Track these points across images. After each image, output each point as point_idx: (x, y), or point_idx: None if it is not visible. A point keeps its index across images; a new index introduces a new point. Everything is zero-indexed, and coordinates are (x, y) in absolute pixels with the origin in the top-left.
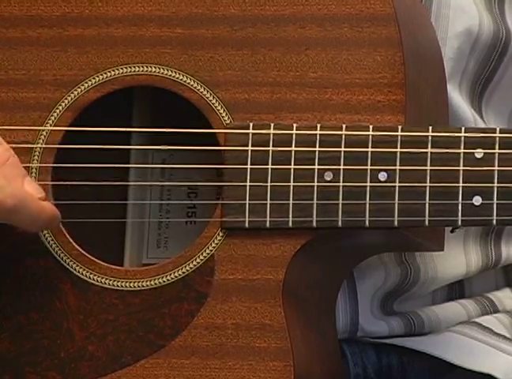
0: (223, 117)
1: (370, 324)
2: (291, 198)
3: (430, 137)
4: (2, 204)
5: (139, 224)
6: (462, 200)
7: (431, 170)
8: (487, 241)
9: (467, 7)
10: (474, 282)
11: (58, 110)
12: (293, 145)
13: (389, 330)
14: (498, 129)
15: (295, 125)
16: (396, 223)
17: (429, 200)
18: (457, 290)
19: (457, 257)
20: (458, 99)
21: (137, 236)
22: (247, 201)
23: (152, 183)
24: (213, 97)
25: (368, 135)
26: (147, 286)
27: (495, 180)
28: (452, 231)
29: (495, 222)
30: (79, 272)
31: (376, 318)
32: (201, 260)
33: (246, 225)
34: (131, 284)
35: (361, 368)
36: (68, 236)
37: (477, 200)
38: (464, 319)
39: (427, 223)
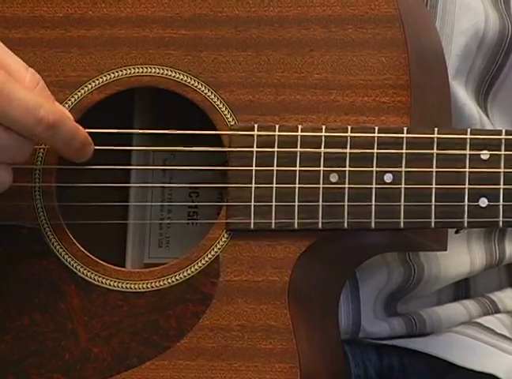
0: (227, 118)
1: (372, 324)
2: (296, 200)
3: (435, 139)
4: (45, 120)
5: (141, 224)
6: (468, 201)
7: (436, 171)
8: (491, 239)
9: (473, 4)
10: (479, 281)
11: None
12: (298, 147)
13: (390, 330)
14: (503, 131)
15: (300, 126)
16: (402, 224)
17: (435, 201)
18: (463, 289)
19: (461, 255)
20: (464, 96)
21: (138, 236)
22: (252, 203)
23: (156, 185)
24: (217, 98)
25: (373, 136)
26: (152, 287)
27: (501, 181)
28: (457, 232)
29: (501, 223)
30: (83, 273)
31: (378, 319)
32: (206, 261)
33: (252, 227)
34: (136, 286)
35: (362, 369)
36: (72, 237)
37: (483, 202)
38: (465, 319)
39: (433, 224)
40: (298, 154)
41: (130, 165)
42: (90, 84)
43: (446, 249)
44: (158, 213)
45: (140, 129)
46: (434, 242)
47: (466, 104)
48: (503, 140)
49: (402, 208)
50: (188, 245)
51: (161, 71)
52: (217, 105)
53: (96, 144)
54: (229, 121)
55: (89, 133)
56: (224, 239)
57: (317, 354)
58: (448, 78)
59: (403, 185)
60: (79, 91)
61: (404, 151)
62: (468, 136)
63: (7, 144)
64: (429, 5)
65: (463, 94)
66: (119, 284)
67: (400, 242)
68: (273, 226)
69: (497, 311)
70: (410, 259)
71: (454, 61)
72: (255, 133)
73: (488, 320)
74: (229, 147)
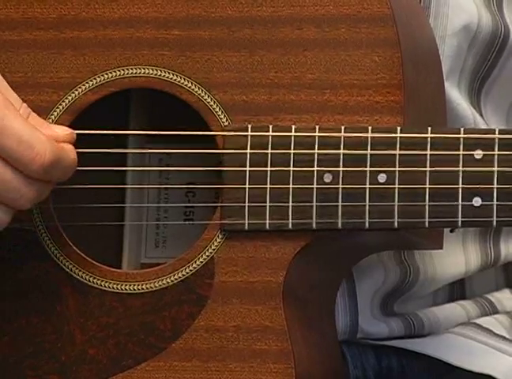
0: (221, 119)
1: (370, 324)
2: (290, 200)
3: (429, 139)
4: (41, 159)
5: (137, 224)
6: (462, 201)
7: (430, 171)
8: (486, 239)
9: (466, 5)
10: (475, 282)
11: (55, 113)
12: (292, 147)
13: (389, 331)
14: (497, 130)
15: (293, 126)
16: (396, 224)
17: (429, 201)
18: (458, 290)
19: (457, 256)
20: (458, 96)
21: (135, 236)
22: (247, 204)
23: (151, 186)
24: (211, 99)
25: (367, 136)
26: (147, 289)
27: (495, 181)
28: (451, 231)
29: (495, 223)
30: (79, 275)
31: (376, 319)
32: (201, 262)
33: (246, 227)
34: (131, 287)
35: (361, 370)
36: (67, 239)
37: (477, 201)
38: (463, 320)
39: (427, 224)
40: (291, 154)
41: (126, 165)
42: (84, 85)
43: (441, 248)
44: (154, 213)
45: (136, 129)
46: (430, 240)
47: (460, 104)
48: (497, 140)
49: (396, 207)
50: (185, 244)
51: (155, 72)
52: (211, 106)
53: (91, 145)
54: (223, 122)
55: (85, 134)
56: (218, 240)
57: (313, 354)
58: (443, 76)
59: (397, 185)
60: (73, 93)
61: (397, 151)
62: (462, 135)
63: (5, 179)
64: (422, 6)
65: (456, 94)
66: (115, 286)
67: (395, 240)
68: (268, 226)
69: (495, 312)
70: (406, 260)
71: (447, 62)
72: (249, 133)
73: (487, 321)
74: (223, 147)
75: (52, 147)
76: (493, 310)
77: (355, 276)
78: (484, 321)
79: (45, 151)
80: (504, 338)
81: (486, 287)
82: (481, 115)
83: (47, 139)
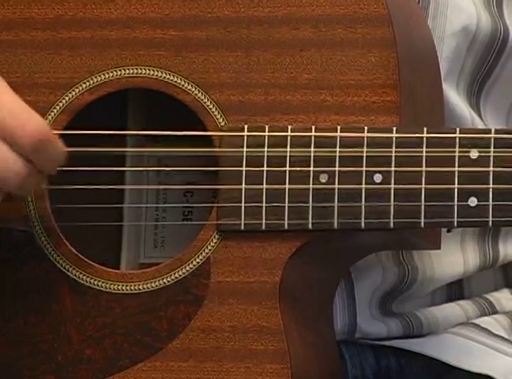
0: (217, 119)
1: (368, 324)
2: (286, 200)
3: (425, 138)
4: (32, 133)
5: (135, 224)
6: (458, 201)
7: (426, 171)
8: (485, 239)
9: (465, 6)
10: (473, 282)
11: (52, 113)
12: (288, 147)
13: (387, 331)
14: (493, 130)
15: (289, 126)
16: (392, 224)
17: (424, 201)
18: (456, 290)
19: (455, 256)
20: (456, 98)
21: (133, 236)
22: (243, 204)
23: (149, 187)
24: (208, 99)
25: (363, 136)
26: (143, 289)
27: (491, 181)
28: (448, 231)
29: (490, 223)
30: (75, 275)
31: (374, 319)
32: (198, 262)
33: (242, 227)
34: (128, 287)
35: (359, 370)
36: (64, 240)
37: (473, 201)
38: (462, 320)
39: (422, 224)
40: (288, 154)
41: (125, 164)
42: (81, 85)
43: (439, 248)
44: (153, 212)
45: (134, 129)
46: (428, 240)
47: (458, 105)
48: (492, 140)
49: (392, 207)
50: (183, 244)
51: (151, 72)
52: (207, 106)
53: (89, 145)
54: (219, 122)
55: (82, 135)
56: (214, 240)
57: (311, 355)
58: (440, 75)
59: (392, 185)
60: (70, 93)
61: (393, 151)
62: (458, 135)
63: None
64: (420, 7)
65: (454, 95)
66: (111, 286)
67: (393, 240)
68: (264, 226)
69: (494, 312)
70: (404, 260)
71: (445, 63)
72: (245, 133)
73: (485, 321)
74: (219, 148)
75: (43, 124)
76: (492, 310)
77: (354, 276)
78: (483, 321)
79: (36, 125)
80: (503, 338)
81: (484, 287)
82: (480, 117)
83: (38, 116)
